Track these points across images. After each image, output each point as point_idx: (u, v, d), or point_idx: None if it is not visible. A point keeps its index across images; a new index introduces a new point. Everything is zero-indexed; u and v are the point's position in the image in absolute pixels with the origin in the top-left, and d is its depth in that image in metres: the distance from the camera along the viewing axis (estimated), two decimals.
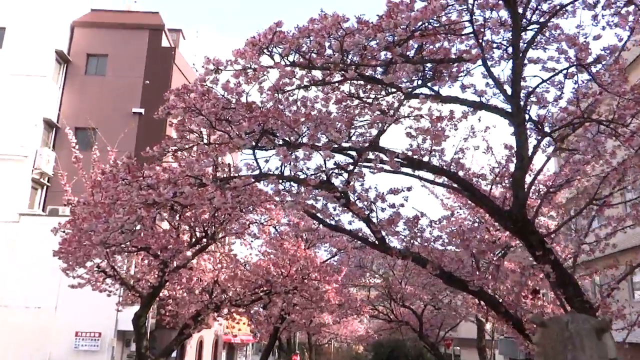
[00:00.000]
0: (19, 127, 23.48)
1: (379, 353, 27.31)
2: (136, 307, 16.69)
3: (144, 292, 11.64)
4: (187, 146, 5.97)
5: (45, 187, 24.76)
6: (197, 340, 31.77)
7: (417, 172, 6.62)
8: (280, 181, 5.60)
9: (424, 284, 21.27)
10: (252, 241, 12.01)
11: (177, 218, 10.02)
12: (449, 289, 20.59)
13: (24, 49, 24.78)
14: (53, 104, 25.61)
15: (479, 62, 5.45)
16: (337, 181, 5.84)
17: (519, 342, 13.31)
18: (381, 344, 27.71)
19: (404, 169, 6.43)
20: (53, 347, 21.57)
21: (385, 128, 5.58)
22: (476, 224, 9.92)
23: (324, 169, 5.55)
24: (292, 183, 5.70)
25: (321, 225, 7.58)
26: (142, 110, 25.61)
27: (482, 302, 15.36)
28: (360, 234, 6.82)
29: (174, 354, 28.14)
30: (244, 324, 20.98)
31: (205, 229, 10.29)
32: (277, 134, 5.80)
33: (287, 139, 5.81)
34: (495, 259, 7.74)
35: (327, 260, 16.39)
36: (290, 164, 5.46)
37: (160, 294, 13.62)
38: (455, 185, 7.16)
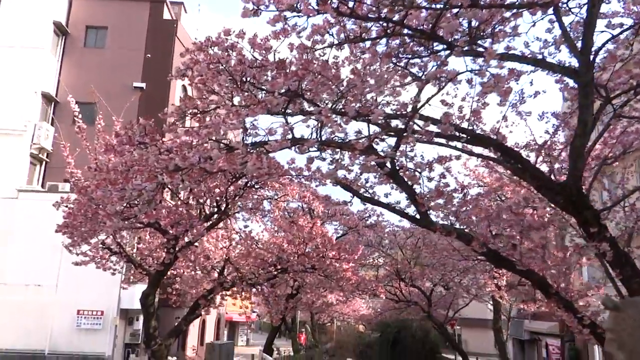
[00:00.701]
0: (16, 100, 22.67)
1: (386, 333, 26.90)
2: (140, 286, 16.22)
3: (152, 269, 11.06)
4: (210, 108, 5.30)
5: (44, 162, 24.06)
6: (200, 319, 31.43)
7: (451, 143, 6.00)
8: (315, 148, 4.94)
9: (433, 264, 20.87)
10: (264, 218, 11.41)
11: (188, 191, 9.39)
12: (459, 269, 20.16)
13: (21, 20, 23.82)
14: (51, 77, 24.75)
15: (530, 16, 4.80)
16: (378, 148, 5.19)
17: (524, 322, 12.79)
18: (388, 324, 27.31)
19: (437, 139, 5.80)
20: (54, 326, 21.10)
21: (438, 89, 4.92)
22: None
23: (366, 134, 4.90)
24: (329, 149, 5.05)
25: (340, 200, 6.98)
26: (143, 85, 24.80)
27: (500, 283, 14.95)
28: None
29: None
30: (251, 302, 20.50)
31: (219, 203, 9.67)
32: (307, 97, 5.16)
33: (324, 100, 5.16)
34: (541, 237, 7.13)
35: (337, 238, 15.84)
36: (329, 128, 4.80)
37: (171, 273, 13.10)
38: (492, 156, 6.56)
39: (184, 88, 26.01)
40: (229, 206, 9.81)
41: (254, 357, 19.30)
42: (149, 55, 25.14)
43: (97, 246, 10.87)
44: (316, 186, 10.33)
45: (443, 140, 5.88)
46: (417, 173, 5.25)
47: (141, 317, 23.85)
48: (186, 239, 10.39)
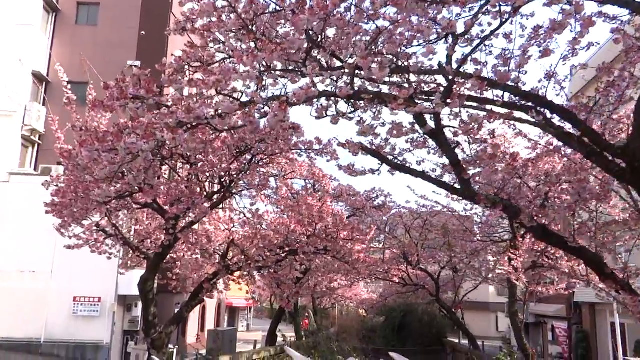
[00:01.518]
0: (5, 80, 21.66)
1: (391, 317, 26.32)
2: (138, 271, 15.44)
3: (150, 253, 10.29)
4: (216, 59, 4.47)
5: (36, 145, 23.14)
6: (200, 306, 30.78)
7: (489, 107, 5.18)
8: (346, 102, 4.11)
9: (440, 246, 20.17)
10: (270, 197, 10.61)
11: (189, 167, 8.57)
12: (469, 251, 19.46)
13: None
14: (42, 56, 23.72)
15: None
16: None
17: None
18: (393, 308, 26.72)
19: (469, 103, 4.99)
20: (50, 313, 20.36)
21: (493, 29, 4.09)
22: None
23: (407, 84, 4.08)
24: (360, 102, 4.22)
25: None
26: (138, 63, 23.72)
27: (516, 265, 14.23)
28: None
29: None
30: (256, 287, 19.74)
31: (222, 180, 8.86)
32: (328, 48, 4.32)
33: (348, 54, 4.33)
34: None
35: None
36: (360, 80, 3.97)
37: (170, 257, 12.33)
38: (534, 121, 5.74)
39: None
40: (234, 183, 8.99)
41: (256, 343, 18.58)
42: (144, 33, 24.06)
43: (91, 228, 10.07)
44: (327, 161, 9.53)
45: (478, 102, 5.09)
46: (460, 134, 4.42)
47: (140, 304, 23.16)
48: (188, 219, 9.61)
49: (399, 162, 5.18)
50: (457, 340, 28.19)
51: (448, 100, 4.02)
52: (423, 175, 5.12)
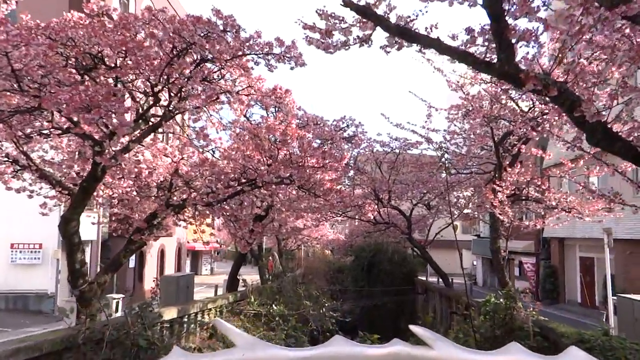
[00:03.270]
0: None
1: (360, 257, 25.21)
2: (84, 212, 13.40)
3: (73, 187, 8.34)
4: None
5: None
6: (158, 249, 29.04)
7: None
8: None
9: (413, 182, 18.76)
10: (223, 120, 8.65)
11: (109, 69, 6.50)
12: (444, 186, 18.10)
13: None
14: None
15: None
16: None
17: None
18: (362, 248, 25.59)
19: None
20: None
21: None
22: None
23: None
24: None
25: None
26: None
27: (498, 196, 12.89)
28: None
29: (131, 264, 25.36)
30: (212, 228, 17.99)
31: (155, 89, 6.86)
32: None
33: None
34: None
35: None
36: None
37: (107, 193, 10.36)
38: None
39: None
40: (179, 95, 7.01)
41: (217, 288, 17.07)
42: None
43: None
44: (291, 69, 7.59)
45: None
46: None
47: (89, 249, 21.21)
48: (119, 146, 7.62)
49: (401, 26, 3.32)
50: (424, 279, 27.57)
51: None
52: (438, 44, 3.31)
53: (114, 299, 13.46)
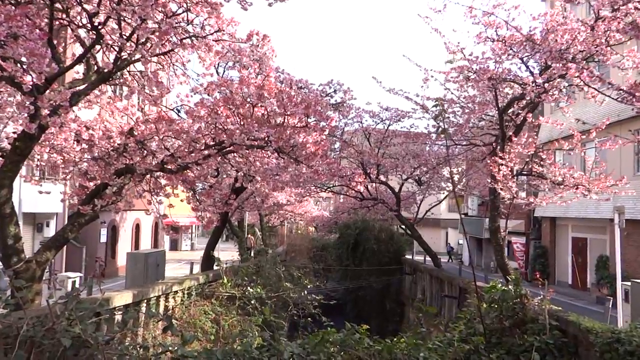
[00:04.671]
0: None
1: (345, 235, 23.99)
2: (55, 186, 12.02)
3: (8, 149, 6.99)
4: None
5: None
6: (133, 223, 27.60)
7: None
8: None
9: (403, 156, 17.54)
10: (186, 70, 7.29)
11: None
12: (437, 159, 16.92)
13: None
14: None
15: None
16: None
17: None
18: (348, 225, 24.38)
19: None
20: None
21: None
22: None
23: None
24: None
25: None
26: None
27: (504, 171, 11.71)
28: None
29: (103, 238, 23.92)
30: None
31: (94, 20, 5.44)
32: None
33: None
34: None
35: None
36: None
37: (54, 159, 8.94)
38: None
39: None
40: (131, 38, 5.61)
41: (192, 265, 15.79)
42: None
43: None
44: (270, 4, 6.21)
45: None
46: None
47: (53, 222, 19.75)
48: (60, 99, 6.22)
49: None
50: (410, 257, 26.58)
51: None
52: None
53: (69, 278, 12.06)
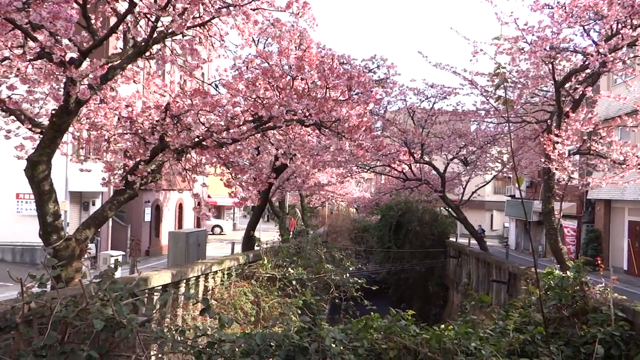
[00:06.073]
0: None
1: (388, 216, 23.50)
2: (95, 164, 12.08)
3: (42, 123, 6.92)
4: None
5: None
6: (176, 203, 27.96)
7: None
8: None
9: (449, 135, 16.86)
10: (223, 42, 6.99)
11: None
12: (483, 139, 16.17)
13: None
14: None
15: None
16: None
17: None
18: (390, 206, 23.87)
19: None
20: None
21: None
22: None
23: None
24: None
25: None
26: None
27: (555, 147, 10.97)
28: None
29: (147, 217, 24.31)
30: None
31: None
32: None
33: None
34: None
35: None
36: None
37: (94, 135, 8.88)
38: None
39: None
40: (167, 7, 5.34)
41: (234, 246, 15.75)
42: None
43: None
44: None
45: None
46: None
47: (99, 201, 20.13)
48: (94, 72, 6.06)
49: None
50: (454, 240, 25.92)
51: None
52: None
53: (112, 256, 12.17)
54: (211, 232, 38.76)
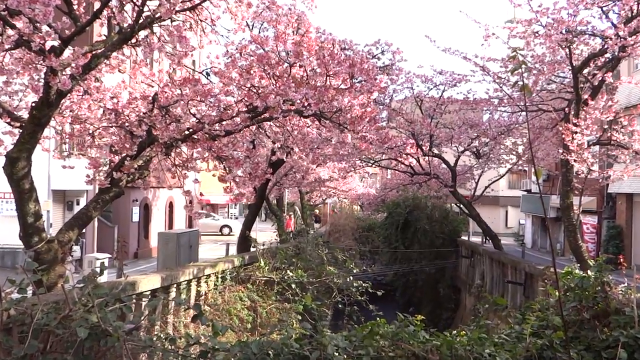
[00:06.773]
0: None
1: (394, 214, 23.50)
2: (82, 161, 12.03)
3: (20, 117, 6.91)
4: None
5: None
6: (166, 201, 27.97)
7: None
8: None
9: (459, 125, 16.82)
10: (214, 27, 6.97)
11: None
12: (496, 130, 16.14)
13: None
14: None
15: None
16: None
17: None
18: (397, 203, 23.85)
19: None
20: None
21: None
22: None
23: None
24: None
25: None
26: None
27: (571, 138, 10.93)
28: None
29: (135, 217, 24.32)
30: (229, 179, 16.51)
31: None
32: None
33: None
34: None
35: None
36: None
37: (78, 129, 8.85)
38: None
39: None
40: None
41: (228, 247, 15.75)
42: None
43: None
44: None
45: None
46: None
47: (84, 200, 20.14)
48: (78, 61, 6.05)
49: None
50: (466, 239, 25.93)
51: None
52: None
53: (98, 259, 12.18)
54: (220, 233, 38.84)
